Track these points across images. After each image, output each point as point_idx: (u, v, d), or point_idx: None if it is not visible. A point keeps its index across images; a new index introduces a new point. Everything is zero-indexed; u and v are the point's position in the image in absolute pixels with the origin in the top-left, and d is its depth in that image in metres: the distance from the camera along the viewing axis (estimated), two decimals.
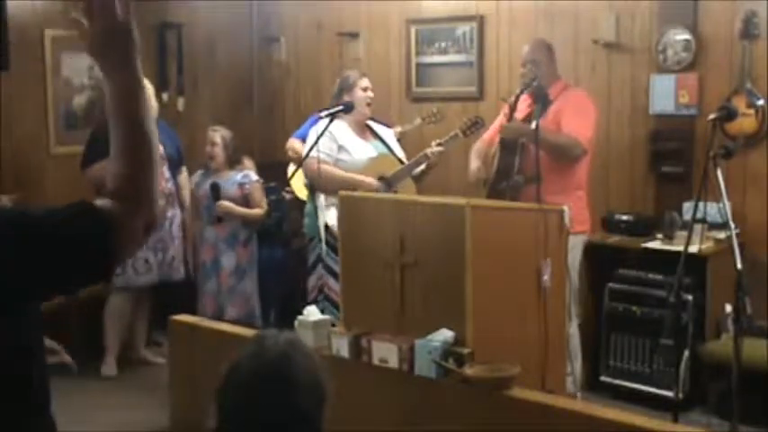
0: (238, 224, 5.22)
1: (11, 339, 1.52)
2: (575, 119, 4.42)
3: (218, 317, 4.95)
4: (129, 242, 1.57)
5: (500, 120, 4.70)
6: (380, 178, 4.57)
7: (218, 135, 5.25)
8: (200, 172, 5.36)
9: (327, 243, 4.46)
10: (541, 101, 4.23)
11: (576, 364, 4.48)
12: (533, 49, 4.66)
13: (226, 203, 5.14)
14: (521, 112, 4.50)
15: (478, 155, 4.67)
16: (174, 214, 5.41)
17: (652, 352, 4.72)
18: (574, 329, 4.47)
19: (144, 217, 1.58)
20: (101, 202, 1.56)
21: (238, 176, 5.24)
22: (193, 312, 4.81)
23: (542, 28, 5.57)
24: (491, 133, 4.74)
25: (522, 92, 4.45)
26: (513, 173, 4.37)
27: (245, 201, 5.22)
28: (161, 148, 5.29)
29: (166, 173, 5.40)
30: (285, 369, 1.62)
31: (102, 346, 5.39)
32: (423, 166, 4.65)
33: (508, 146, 4.42)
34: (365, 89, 4.65)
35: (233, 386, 1.64)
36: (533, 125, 4.09)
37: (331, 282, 4.47)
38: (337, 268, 4.39)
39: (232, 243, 5.20)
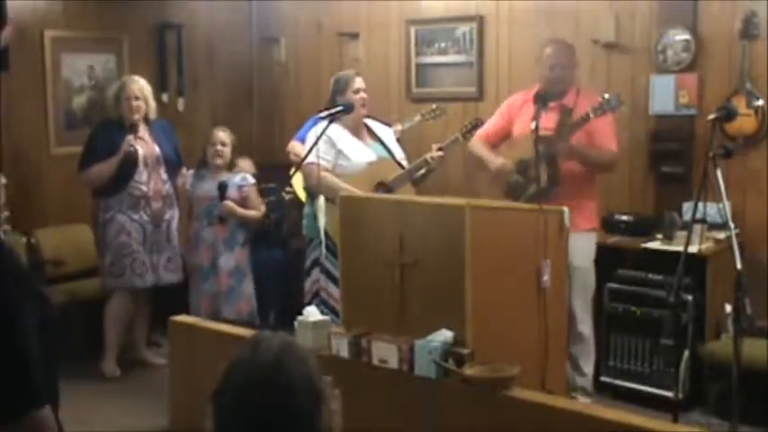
0: (237, 225, 5.23)
1: None
2: (605, 129, 4.45)
3: (215, 318, 4.93)
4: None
5: (499, 117, 4.74)
6: (380, 184, 4.53)
7: (228, 136, 5.26)
8: (191, 172, 5.33)
9: (327, 246, 4.43)
10: (541, 104, 4.19)
11: (588, 368, 4.51)
12: (564, 53, 4.62)
13: (231, 204, 5.15)
14: (547, 121, 4.40)
15: (489, 149, 4.70)
16: (173, 215, 5.40)
17: (652, 352, 4.72)
18: (590, 331, 4.51)
19: None
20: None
21: (237, 178, 5.25)
22: (188, 314, 4.80)
23: (542, 28, 5.57)
24: (492, 129, 4.76)
25: (546, 102, 4.22)
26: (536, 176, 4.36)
27: (243, 202, 5.23)
28: (156, 150, 5.33)
29: (163, 174, 5.38)
30: (279, 372, 1.63)
31: (102, 346, 5.38)
32: (423, 171, 4.62)
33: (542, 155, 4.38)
34: (357, 91, 4.55)
35: (229, 389, 1.64)
36: (533, 126, 4.08)
37: (328, 285, 4.45)
38: (335, 271, 4.39)
39: (231, 244, 5.20)
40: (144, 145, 5.30)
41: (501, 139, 4.76)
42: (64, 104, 5.99)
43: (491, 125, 4.81)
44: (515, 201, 4.35)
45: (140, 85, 5.35)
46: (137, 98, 5.29)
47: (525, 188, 4.41)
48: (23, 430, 1.67)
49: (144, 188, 5.28)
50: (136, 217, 5.26)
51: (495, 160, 4.65)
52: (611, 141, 4.53)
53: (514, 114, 4.70)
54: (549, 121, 4.46)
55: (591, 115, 4.31)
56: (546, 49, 4.66)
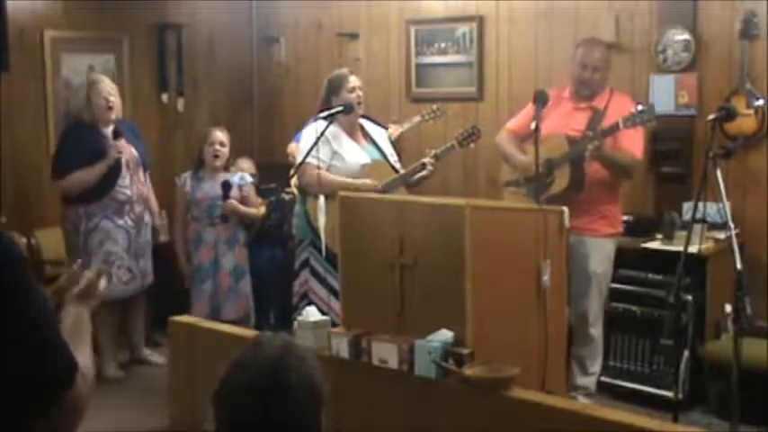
0: (238, 225, 5.23)
1: None
2: (633, 134, 4.35)
3: (214, 318, 4.92)
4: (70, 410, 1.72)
5: (529, 111, 4.60)
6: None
7: (226, 136, 5.25)
8: (187, 174, 5.29)
9: (316, 247, 4.40)
10: (542, 103, 4.16)
11: (594, 367, 4.50)
12: (597, 53, 4.51)
13: (234, 203, 5.15)
14: (577, 123, 4.43)
15: (516, 146, 4.63)
16: (148, 220, 5.35)
17: (652, 352, 4.72)
18: (600, 334, 4.52)
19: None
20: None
21: (236, 178, 5.25)
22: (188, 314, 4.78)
23: (542, 28, 5.58)
24: (521, 123, 4.64)
25: (545, 101, 4.16)
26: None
27: (243, 201, 5.23)
28: (134, 152, 5.28)
29: (143, 176, 5.32)
30: (280, 374, 1.63)
31: (98, 350, 5.36)
32: (418, 175, 4.55)
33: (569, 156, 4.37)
34: (352, 89, 4.46)
35: (229, 391, 1.65)
36: (533, 126, 4.07)
37: (316, 287, 4.44)
38: (324, 273, 4.40)
39: (232, 244, 5.21)
40: (123, 148, 5.20)
41: (529, 135, 4.70)
42: (64, 104, 5.98)
43: (520, 119, 4.68)
44: (536, 200, 4.31)
45: (111, 84, 5.27)
46: (110, 95, 5.20)
47: (547, 188, 4.34)
48: (57, 417, 1.67)
49: (128, 192, 5.20)
50: (120, 222, 5.18)
51: (523, 160, 4.56)
52: (636, 147, 4.41)
53: (544, 112, 4.63)
54: (578, 122, 4.44)
55: (620, 125, 4.22)
56: (579, 47, 4.58)
